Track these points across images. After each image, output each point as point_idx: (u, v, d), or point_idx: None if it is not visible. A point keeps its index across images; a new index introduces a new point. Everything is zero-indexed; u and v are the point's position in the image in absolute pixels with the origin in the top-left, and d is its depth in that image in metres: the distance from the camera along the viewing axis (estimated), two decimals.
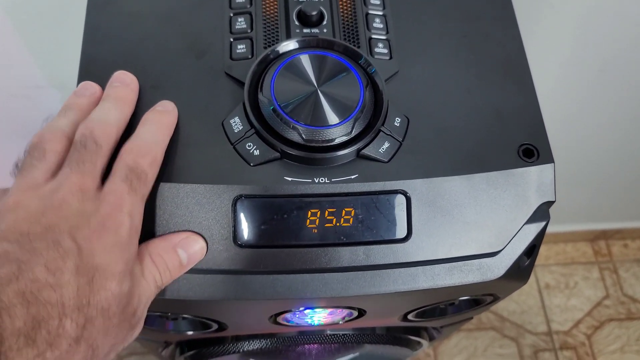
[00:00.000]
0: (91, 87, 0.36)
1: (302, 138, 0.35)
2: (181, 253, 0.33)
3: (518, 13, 0.43)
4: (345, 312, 0.43)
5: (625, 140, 1.02)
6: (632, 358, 1.28)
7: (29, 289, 0.26)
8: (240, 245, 0.34)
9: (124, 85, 0.36)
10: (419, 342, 0.57)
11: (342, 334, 0.51)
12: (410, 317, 0.46)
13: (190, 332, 0.47)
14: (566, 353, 1.29)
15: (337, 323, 0.46)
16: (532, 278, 1.36)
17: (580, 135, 0.98)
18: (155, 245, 0.33)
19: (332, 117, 0.35)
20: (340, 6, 0.41)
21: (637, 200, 1.26)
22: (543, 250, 1.40)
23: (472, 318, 0.56)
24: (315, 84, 0.36)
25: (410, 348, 0.57)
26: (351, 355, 0.62)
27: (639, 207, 1.29)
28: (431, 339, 0.59)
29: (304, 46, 0.38)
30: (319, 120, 0.35)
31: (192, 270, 0.34)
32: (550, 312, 1.33)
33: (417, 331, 0.54)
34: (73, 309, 0.26)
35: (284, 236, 0.35)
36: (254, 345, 0.50)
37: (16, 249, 0.27)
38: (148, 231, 0.34)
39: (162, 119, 0.35)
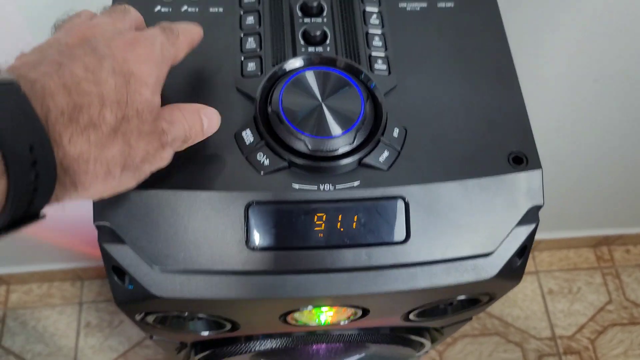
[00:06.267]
0: None
1: (308, 148, 0.37)
2: (204, 119, 0.35)
3: (514, 25, 0.45)
4: (350, 311, 0.46)
5: (624, 148, 1.04)
6: None
7: (69, 82, 0.27)
8: (252, 248, 0.37)
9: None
10: (421, 343, 0.60)
11: (349, 334, 0.54)
12: (411, 316, 0.48)
13: (205, 333, 0.50)
14: (570, 358, 1.30)
15: (343, 322, 0.48)
16: (535, 284, 1.38)
17: (580, 144, 1.00)
18: (184, 106, 0.35)
19: (335, 129, 0.38)
20: (342, 26, 0.44)
21: (638, 206, 1.27)
22: (546, 256, 1.41)
23: (471, 319, 0.59)
24: (320, 98, 0.38)
25: (413, 348, 0.59)
26: (357, 356, 0.64)
27: None
28: (433, 340, 0.61)
29: (309, 63, 0.41)
30: (323, 131, 0.38)
31: (208, 272, 0.37)
32: (554, 317, 1.35)
33: (419, 331, 0.56)
34: (112, 102, 0.28)
35: (292, 239, 0.37)
36: (265, 345, 0.52)
37: (55, 54, 0.29)
38: (168, 237, 0.36)
39: (192, 28, 0.37)
